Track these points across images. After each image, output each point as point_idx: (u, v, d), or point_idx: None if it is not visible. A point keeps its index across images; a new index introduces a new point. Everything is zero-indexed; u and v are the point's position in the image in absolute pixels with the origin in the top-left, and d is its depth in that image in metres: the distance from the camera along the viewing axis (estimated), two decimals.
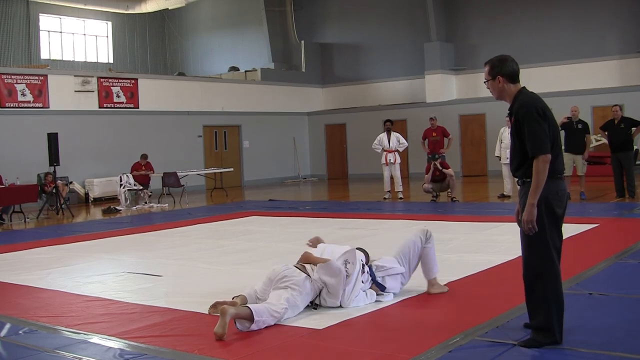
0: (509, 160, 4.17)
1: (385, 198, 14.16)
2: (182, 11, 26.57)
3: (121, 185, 15.78)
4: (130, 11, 25.15)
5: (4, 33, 22.66)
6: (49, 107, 17.24)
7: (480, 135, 20.46)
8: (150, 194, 16.31)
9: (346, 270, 4.87)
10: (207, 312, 4.94)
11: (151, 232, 10.49)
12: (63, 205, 14.48)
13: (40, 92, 17.07)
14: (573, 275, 5.51)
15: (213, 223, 11.37)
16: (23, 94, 16.73)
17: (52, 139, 14.25)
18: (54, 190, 14.53)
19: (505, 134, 13.01)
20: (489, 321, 4.39)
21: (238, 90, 22.15)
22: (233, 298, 4.86)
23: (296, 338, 4.28)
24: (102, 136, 18.22)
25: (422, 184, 13.28)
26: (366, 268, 5.07)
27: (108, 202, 16.65)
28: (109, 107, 18.56)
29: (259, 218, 11.80)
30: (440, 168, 12.87)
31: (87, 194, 17.53)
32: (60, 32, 25.11)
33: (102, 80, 18.46)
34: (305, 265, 4.95)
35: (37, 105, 17.01)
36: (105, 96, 18.46)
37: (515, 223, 4.03)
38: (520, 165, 3.93)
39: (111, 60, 26.10)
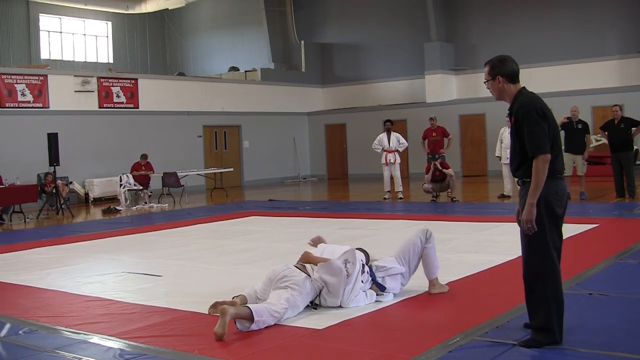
0: (509, 160, 4.17)
1: (385, 198, 14.16)
2: (182, 11, 26.57)
3: (121, 185, 15.78)
4: (130, 11, 25.15)
5: (4, 33, 22.66)
6: (49, 107, 17.24)
7: (480, 135, 20.46)
8: (150, 194, 16.31)
9: (346, 270, 4.87)
10: (207, 312, 4.94)
11: (151, 232, 10.49)
12: (63, 205, 14.48)
13: (40, 92, 17.07)
14: (573, 275, 5.51)
15: (213, 223, 11.37)
16: (23, 94, 16.73)
17: (52, 139, 14.25)
18: (54, 191, 14.53)
19: (506, 134, 13.01)
20: (489, 321, 4.39)
21: (238, 90, 22.16)
22: (233, 298, 4.86)
23: (296, 338, 4.27)
24: (102, 136, 18.23)
25: (422, 184, 13.28)
26: (366, 268, 5.07)
27: (108, 202, 16.65)
28: (109, 107, 18.57)
29: (259, 218, 11.80)
30: (440, 168, 12.87)
31: (87, 194, 17.54)
32: (60, 32, 25.11)
33: (102, 80, 18.46)
34: (305, 265, 4.95)
35: (37, 105, 17.01)
36: (105, 96, 18.46)
37: (515, 223, 4.04)
38: (520, 165, 3.93)
39: (111, 60, 26.10)
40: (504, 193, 13.31)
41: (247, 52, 25.33)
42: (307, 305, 4.85)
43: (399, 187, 14.20)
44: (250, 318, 4.38)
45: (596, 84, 18.74)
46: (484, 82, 4.13)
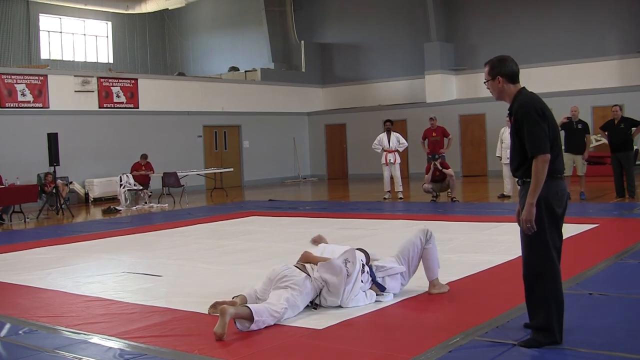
0: (509, 160, 4.17)
1: (385, 198, 14.16)
2: (182, 11, 26.57)
3: (121, 185, 15.78)
4: (130, 11, 25.15)
5: (4, 33, 22.66)
6: (49, 107, 17.24)
7: (480, 136, 20.46)
8: (150, 194, 16.31)
9: (346, 270, 4.86)
10: (207, 312, 4.94)
11: (151, 232, 10.49)
12: (63, 205, 14.48)
13: (40, 92, 17.07)
14: (573, 275, 5.51)
15: (213, 223, 11.37)
16: (23, 94, 16.73)
17: (52, 139, 14.25)
18: (54, 190, 14.53)
19: (506, 134, 13.00)
20: (489, 321, 4.39)
21: (238, 90, 22.16)
22: (233, 298, 4.86)
23: (296, 338, 4.28)
24: (102, 136, 18.23)
25: (422, 184, 13.28)
26: (366, 268, 5.07)
27: (108, 202, 16.65)
28: (109, 107, 18.57)
29: (259, 218, 11.80)
30: (440, 168, 12.87)
31: (87, 194, 17.54)
32: (60, 32, 25.11)
33: (102, 80, 18.46)
34: (305, 264, 4.95)
35: (37, 105, 17.01)
36: (105, 96, 18.46)
37: (516, 223, 4.03)
38: (520, 165, 3.93)
39: (111, 60, 26.10)
40: (504, 193, 13.31)
41: (247, 52, 25.33)
42: (307, 305, 4.85)
43: (399, 187, 14.20)
44: (250, 318, 4.38)
45: (596, 84, 18.74)
46: (484, 82, 4.13)
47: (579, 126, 11.95)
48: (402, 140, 14.38)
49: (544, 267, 3.83)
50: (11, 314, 5.31)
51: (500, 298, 5.07)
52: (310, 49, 24.57)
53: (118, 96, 18.75)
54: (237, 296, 4.84)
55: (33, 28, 23.88)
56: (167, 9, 25.27)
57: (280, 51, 24.91)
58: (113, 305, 5.46)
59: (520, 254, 4.03)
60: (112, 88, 18.63)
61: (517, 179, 4.03)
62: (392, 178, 14.26)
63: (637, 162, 14.38)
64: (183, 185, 16.49)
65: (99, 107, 18.35)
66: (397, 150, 14.25)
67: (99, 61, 25.71)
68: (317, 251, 5.14)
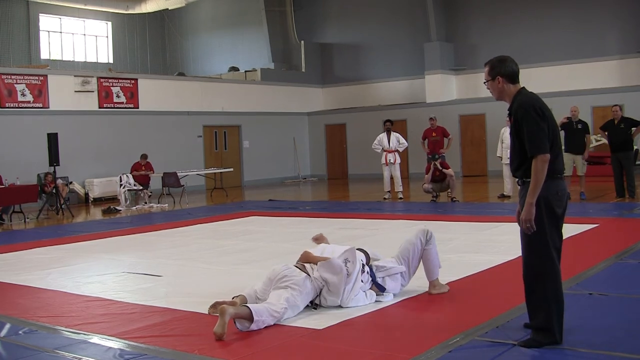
0: (509, 160, 4.17)
1: (385, 198, 14.16)
2: (182, 11, 26.57)
3: (121, 185, 15.78)
4: (130, 11, 25.15)
5: (4, 33, 22.67)
6: (49, 107, 17.24)
7: (480, 136, 20.46)
8: (150, 194, 16.31)
9: (347, 269, 4.86)
10: (207, 312, 4.94)
11: (151, 232, 10.49)
12: (63, 206, 14.48)
13: (40, 92, 17.07)
14: (573, 275, 5.51)
15: (213, 223, 11.37)
16: (23, 94, 16.73)
17: (52, 139, 14.25)
18: (54, 190, 14.53)
19: (506, 134, 13.00)
20: (489, 321, 4.39)
21: (238, 90, 22.16)
22: (233, 298, 4.86)
23: (296, 338, 4.27)
24: (102, 136, 18.23)
25: (422, 184, 13.28)
26: (366, 268, 5.07)
27: (108, 202, 16.65)
28: (109, 107, 18.57)
29: (259, 218, 11.80)
30: (440, 168, 12.87)
31: (87, 194, 17.54)
32: (60, 32, 25.12)
33: (102, 80, 18.46)
34: (305, 264, 4.95)
35: (37, 105, 17.01)
36: (105, 96, 18.46)
37: (516, 223, 4.03)
38: (520, 165, 3.93)
39: (111, 61, 26.11)
40: (504, 193, 13.31)
41: (247, 52, 25.33)
42: (307, 305, 4.85)
43: (399, 187, 14.20)
44: (249, 318, 4.38)
45: (596, 84, 18.74)
46: (484, 83, 4.13)
47: (579, 126, 11.95)
48: (402, 140, 14.38)
49: (544, 267, 3.83)
50: (11, 314, 5.31)
51: (500, 298, 5.07)
52: (310, 49, 24.57)
53: (118, 96, 18.75)
54: (237, 296, 4.84)
55: (33, 28, 23.88)
56: (167, 9, 25.28)
57: (280, 51, 24.91)
58: (113, 305, 5.46)
59: (520, 254, 4.03)
60: (112, 88, 18.64)
61: (517, 179, 4.03)
62: (392, 178, 14.26)
63: (637, 162, 14.38)
64: (183, 185, 16.49)
65: (99, 107, 18.36)
66: (397, 150, 14.25)
67: (99, 61, 25.72)
68: (317, 251, 5.14)
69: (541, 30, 19.93)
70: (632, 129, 11.90)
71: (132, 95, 19.13)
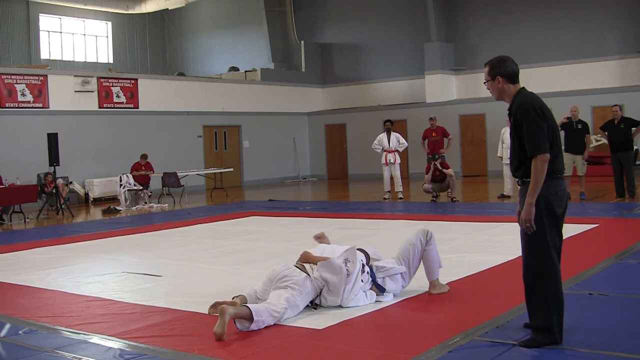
0: (509, 160, 4.17)
1: (385, 198, 14.16)
2: (182, 11, 26.57)
3: (121, 185, 15.78)
4: (130, 11, 25.15)
5: (4, 33, 22.67)
6: (49, 107, 17.24)
7: (480, 136, 20.45)
8: (150, 194, 16.31)
9: (347, 269, 4.86)
10: (207, 312, 4.94)
11: (151, 232, 10.49)
12: (63, 206, 14.48)
13: (40, 92, 17.07)
14: (573, 275, 5.51)
15: (213, 223, 11.37)
16: (23, 94, 16.73)
17: (52, 139, 14.26)
18: (54, 191, 14.53)
19: (507, 134, 13.00)
20: (489, 321, 4.39)
21: (238, 90, 22.16)
22: (233, 298, 4.86)
23: (296, 338, 4.28)
24: (102, 136, 18.23)
25: (422, 184, 13.28)
26: (366, 268, 5.07)
27: (108, 202, 16.65)
28: (109, 107, 18.57)
29: (259, 218, 11.80)
30: (440, 168, 12.87)
31: (87, 194, 17.54)
32: (60, 32, 25.12)
33: (102, 80, 18.46)
34: (305, 264, 4.95)
35: (37, 105, 17.01)
36: (105, 96, 18.46)
37: (515, 223, 4.03)
38: (520, 165, 3.93)
39: (111, 61, 26.11)
40: (504, 193, 13.31)
41: (247, 52, 25.33)
42: (307, 305, 4.85)
43: (399, 187, 14.20)
44: (249, 318, 4.38)
45: (596, 84, 18.74)
46: (484, 83, 4.13)
47: (579, 126, 11.95)
48: (402, 140, 14.38)
49: (544, 267, 3.83)
50: (11, 314, 5.31)
51: (500, 298, 5.07)
52: (310, 49, 24.57)
53: (118, 96, 18.75)
54: (237, 296, 4.84)
55: (33, 28, 23.88)
56: (167, 9, 25.28)
57: (280, 51, 24.91)
58: (113, 305, 5.46)
59: (520, 254, 4.03)
60: (112, 88, 18.64)
61: (517, 179, 4.03)
62: (392, 178, 14.26)
63: (637, 162, 14.38)
64: (183, 185, 16.49)
65: (99, 107, 18.35)
66: (397, 150, 14.25)
67: (99, 61, 25.72)
68: (316, 251, 5.14)
69: (541, 30, 19.93)
70: (632, 129, 11.90)
71: (132, 95, 19.13)
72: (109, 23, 26.20)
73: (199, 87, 21.19)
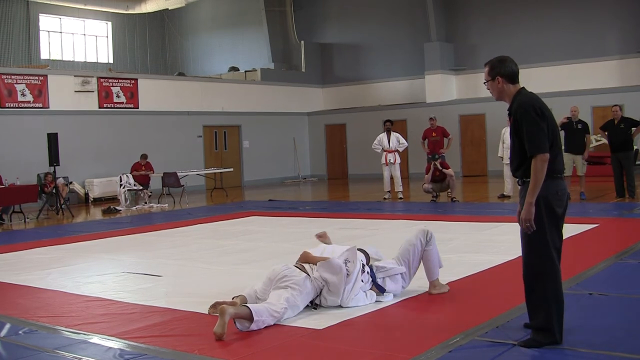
0: (509, 160, 4.17)
1: (385, 198, 14.16)
2: (182, 11, 26.57)
3: (121, 185, 15.78)
4: (130, 11, 25.15)
5: (4, 33, 22.66)
6: (49, 107, 17.24)
7: (480, 136, 20.46)
8: (150, 194, 16.31)
9: (347, 269, 4.86)
10: (207, 312, 4.94)
11: (151, 232, 10.49)
12: (63, 206, 14.48)
13: (40, 92, 17.07)
14: (573, 275, 5.51)
15: (213, 223, 11.37)
16: (23, 94, 16.73)
17: (52, 139, 14.25)
18: (54, 191, 14.53)
19: (507, 134, 13.00)
20: (489, 321, 4.39)
21: (238, 90, 22.16)
22: (233, 298, 4.86)
23: (296, 338, 4.28)
24: (102, 136, 18.23)
25: (422, 184, 13.28)
26: (366, 268, 5.07)
27: (108, 202, 16.65)
28: (109, 107, 18.57)
29: (259, 218, 11.80)
30: (440, 168, 12.87)
31: (87, 194, 17.54)
32: (60, 32, 25.12)
33: (102, 80, 18.46)
34: (305, 264, 4.95)
35: (37, 105, 17.01)
36: (105, 96, 18.46)
37: (515, 223, 4.03)
38: (520, 165, 3.93)
39: (111, 61, 26.10)
40: (504, 193, 13.31)
41: (247, 52, 25.33)
42: (307, 305, 4.85)
43: (399, 187, 14.20)
44: (249, 318, 4.38)
45: (596, 84, 18.74)
46: (484, 83, 4.14)
47: (579, 126, 11.95)
48: (402, 140, 14.38)
49: (544, 267, 3.83)
50: (11, 314, 5.31)
51: (500, 298, 5.07)
52: (310, 49, 24.57)
53: (118, 96, 18.75)
54: (237, 296, 4.84)
55: (33, 28, 23.88)
56: (167, 9, 25.27)
57: (280, 51, 24.91)
58: (113, 305, 5.46)
59: (520, 254, 4.03)
60: (112, 88, 18.64)
61: (517, 179, 4.03)
62: (392, 178, 14.26)
63: (637, 162, 14.38)
64: (183, 185, 16.49)
65: (99, 107, 18.36)
66: (397, 150, 14.25)
67: (99, 61, 25.72)
68: (317, 251, 5.14)
69: (541, 30, 19.93)
70: (632, 129, 11.90)
71: (132, 95, 19.13)
72: (109, 23, 26.20)
73: (199, 87, 21.20)
